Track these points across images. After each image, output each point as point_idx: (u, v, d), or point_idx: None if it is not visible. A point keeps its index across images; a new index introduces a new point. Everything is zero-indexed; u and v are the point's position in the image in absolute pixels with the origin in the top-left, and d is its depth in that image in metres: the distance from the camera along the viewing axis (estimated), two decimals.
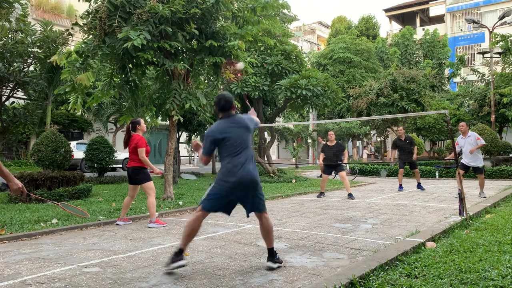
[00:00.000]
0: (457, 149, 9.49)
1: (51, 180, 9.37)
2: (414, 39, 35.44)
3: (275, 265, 4.11)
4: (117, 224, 6.72)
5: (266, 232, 4.15)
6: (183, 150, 31.56)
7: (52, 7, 28.95)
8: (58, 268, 4.23)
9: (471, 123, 21.11)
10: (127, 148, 6.73)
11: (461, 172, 9.27)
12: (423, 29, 36.74)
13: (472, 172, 9.80)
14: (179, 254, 4.01)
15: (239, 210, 8.39)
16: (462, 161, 9.51)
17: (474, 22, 19.87)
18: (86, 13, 8.41)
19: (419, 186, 11.80)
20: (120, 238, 5.70)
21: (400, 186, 11.77)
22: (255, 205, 4.14)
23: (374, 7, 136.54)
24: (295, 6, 76.00)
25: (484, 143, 9.26)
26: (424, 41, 34.63)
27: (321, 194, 10.65)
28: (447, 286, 3.35)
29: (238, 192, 4.02)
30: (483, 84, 22.97)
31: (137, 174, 6.65)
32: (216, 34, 8.69)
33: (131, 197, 6.85)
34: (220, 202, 4.09)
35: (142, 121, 6.81)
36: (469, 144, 9.28)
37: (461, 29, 39.60)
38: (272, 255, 4.16)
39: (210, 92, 10.24)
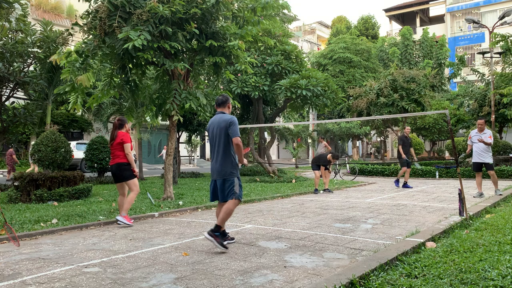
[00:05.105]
0: (469, 142, 9.74)
1: (51, 180, 9.37)
2: (414, 40, 35.46)
3: (209, 236, 4.78)
4: (117, 222, 6.70)
5: (222, 211, 4.91)
6: (183, 150, 31.57)
7: (52, 7, 28.96)
8: (58, 268, 4.23)
9: (471, 123, 21.11)
10: (111, 144, 6.75)
11: (479, 174, 9.50)
12: (423, 29, 36.72)
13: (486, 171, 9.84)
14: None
15: (238, 210, 8.39)
16: (474, 161, 9.59)
17: (474, 22, 19.86)
18: (86, 13, 8.40)
19: (403, 184, 12.67)
20: (120, 238, 5.70)
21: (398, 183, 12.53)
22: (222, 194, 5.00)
23: (374, 7, 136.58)
24: (295, 6, 76.04)
25: (491, 143, 9.35)
26: (422, 41, 34.62)
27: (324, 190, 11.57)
28: (447, 286, 3.35)
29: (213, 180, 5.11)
30: (483, 84, 22.97)
31: (124, 170, 6.67)
32: (216, 34, 8.69)
33: (124, 195, 6.87)
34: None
35: (128, 121, 7.14)
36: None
37: (461, 29, 39.59)
38: (214, 229, 4.85)
39: (210, 92, 10.24)
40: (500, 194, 9.36)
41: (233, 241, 5.26)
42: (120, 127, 6.83)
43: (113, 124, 6.91)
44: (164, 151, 29.37)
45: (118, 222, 6.62)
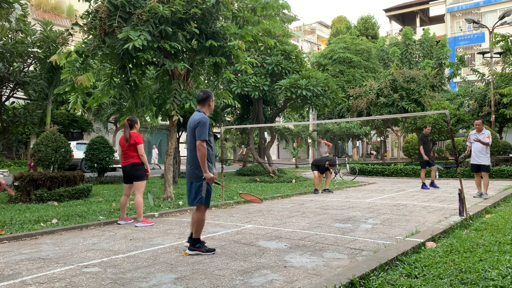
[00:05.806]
0: (468, 144, 9.75)
1: (51, 180, 9.37)
2: (414, 40, 35.47)
3: (192, 252, 4.64)
4: (118, 223, 6.75)
5: (194, 223, 4.70)
6: (183, 150, 31.53)
7: (52, 7, 28.97)
8: (58, 268, 4.23)
9: (471, 123, 21.11)
10: (125, 145, 6.74)
11: (477, 174, 9.51)
12: (423, 29, 36.72)
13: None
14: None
15: (238, 210, 8.38)
16: (472, 162, 9.59)
17: (474, 22, 19.86)
18: (86, 13, 8.40)
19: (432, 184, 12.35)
20: (120, 238, 5.70)
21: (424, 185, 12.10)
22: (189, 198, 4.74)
23: (374, 7, 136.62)
24: (295, 6, 76.09)
25: (490, 142, 9.33)
26: (423, 41, 34.62)
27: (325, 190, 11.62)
28: (447, 286, 3.35)
29: None
30: (483, 84, 22.97)
31: (137, 171, 6.71)
32: (216, 34, 8.69)
33: (127, 196, 6.90)
34: None
35: (138, 121, 7.09)
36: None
37: (461, 29, 39.58)
38: (193, 243, 4.69)
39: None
40: (486, 198, 9.22)
41: (213, 252, 4.72)
42: (131, 128, 6.82)
43: (123, 125, 6.92)
44: (154, 151, 29.28)
45: (137, 226, 6.56)
